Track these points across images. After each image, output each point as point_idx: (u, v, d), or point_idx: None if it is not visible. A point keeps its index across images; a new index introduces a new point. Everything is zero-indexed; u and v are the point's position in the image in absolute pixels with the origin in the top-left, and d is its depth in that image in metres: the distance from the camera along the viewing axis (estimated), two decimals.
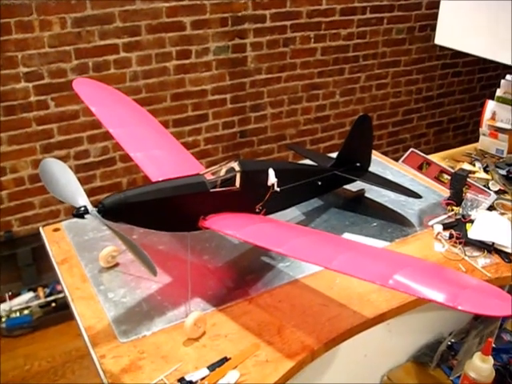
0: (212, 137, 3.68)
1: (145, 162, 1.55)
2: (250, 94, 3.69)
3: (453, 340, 1.78)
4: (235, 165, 1.44)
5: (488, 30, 1.95)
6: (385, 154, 3.37)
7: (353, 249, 1.30)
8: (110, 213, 1.23)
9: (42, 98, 3.08)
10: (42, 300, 3.20)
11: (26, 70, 2.97)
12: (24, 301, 3.17)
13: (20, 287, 3.23)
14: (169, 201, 1.31)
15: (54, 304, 3.19)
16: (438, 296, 1.06)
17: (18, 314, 3.12)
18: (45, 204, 3.28)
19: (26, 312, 3.13)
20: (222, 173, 1.43)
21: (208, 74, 3.49)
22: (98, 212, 1.21)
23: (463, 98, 4.66)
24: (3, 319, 3.08)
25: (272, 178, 1.50)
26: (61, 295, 3.17)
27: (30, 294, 3.21)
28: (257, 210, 1.51)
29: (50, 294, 3.22)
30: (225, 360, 1.26)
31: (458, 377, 1.69)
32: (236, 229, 1.35)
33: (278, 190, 1.50)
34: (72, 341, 2.98)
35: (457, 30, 2.00)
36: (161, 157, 1.61)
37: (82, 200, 1.22)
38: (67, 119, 3.18)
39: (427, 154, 2.23)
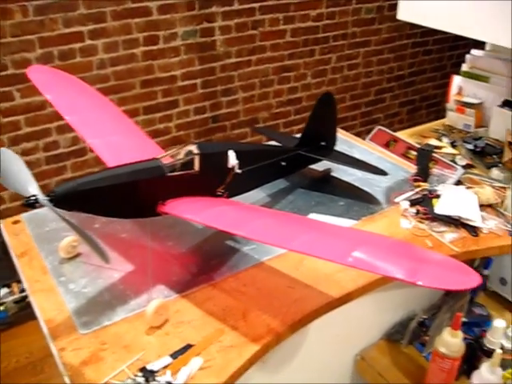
0: (183, 123, 3.63)
1: (102, 149, 1.52)
2: (220, 79, 3.64)
3: (424, 316, 1.77)
4: (193, 148, 1.41)
5: (450, 3, 1.93)
6: (358, 134, 3.36)
7: (315, 229, 1.28)
8: (63, 201, 1.19)
9: (7, 89, 3.00)
10: (17, 295, 3.15)
11: None
12: None
13: None
14: (123, 187, 1.28)
15: (28, 299, 3.14)
16: (397, 272, 1.04)
17: None
18: (15, 198, 3.22)
19: (0, 308, 3.08)
20: (181, 156, 1.40)
21: (177, 59, 3.44)
22: (50, 201, 1.18)
23: (435, 75, 4.65)
24: None
25: (232, 160, 1.47)
26: None
27: (4, 290, 3.16)
28: (218, 193, 1.48)
29: (24, 290, 3.16)
30: (188, 347, 1.24)
31: (431, 353, 1.68)
32: (195, 213, 1.33)
33: (240, 171, 1.47)
34: None
35: (418, 4, 1.97)
36: (119, 143, 1.57)
37: (32, 189, 1.18)
38: (34, 110, 3.11)
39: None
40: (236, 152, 1.48)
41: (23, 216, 1.70)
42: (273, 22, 3.66)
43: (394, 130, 2.28)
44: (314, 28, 3.85)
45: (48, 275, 1.46)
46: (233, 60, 3.63)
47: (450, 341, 1.51)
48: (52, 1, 2.94)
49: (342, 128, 4.26)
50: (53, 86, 1.69)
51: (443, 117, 2.44)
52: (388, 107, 4.54)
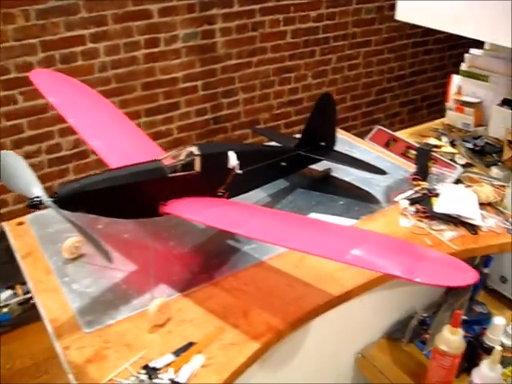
0: (185, 125, 3.65)
1: (104, 151, 1.54)
2: (221, 80, 3.66)
3: (424, 315, 1.78)
4: (194, 149, 1.43)
5: (449, 3, 1.94)
6: (359, 134, 3.36)
7: (314, 227, 1.30)
8: (66, 202, 1.21)
9: (10, 92, 3.03)
10: (21, 297, 3.16)
11: None
12: (2, 299, 3.13)
13: None
14: (126, 188, 1.30)
15: (32, 301, 3.15)
16: (395, 269, 1.06)
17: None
18: (18, 200, 3.24)
19: (4, 310, 3.09)
20: (181, 157, 1.42)
21: (178, 61, 3.46)
22: (54, 202, 1.20)
23: (435, 75, 4.66)
24: None
25: (233, 161, 1.48)
26: None
27: (8, 292, 3.17)
28: (219, 194, 1.50)
29: (29, 291, 3.19)
30: (190, 345, 1.26)
31: (431, 351, 1.70)
32: (196, 213, 1.34)
33: (240, 172, 1.49)
34: None
35: (417, 4, 1.99)
36: (121, 145, 1.59)
37: (36, 190, 1.20)
38: (37, 113, 3.13)
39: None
40: (236, 152, 1.49)
41: (27, 218, 1.72)
42: (273, 24, 3.68)
43: (395, 130, 2.29)
44: (315, 29, 3.87)
45: (52, 275, 1.48)
46: (233, 61, 3.65)
47: (450, 338, 1.52)
48: (53, 5, 2.96)
49: (343, 128, 4.26)
50: (55, 89, 1.71)
51: (445, 116, 2.46)
52: (389, 107, 4.55)
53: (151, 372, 1.18)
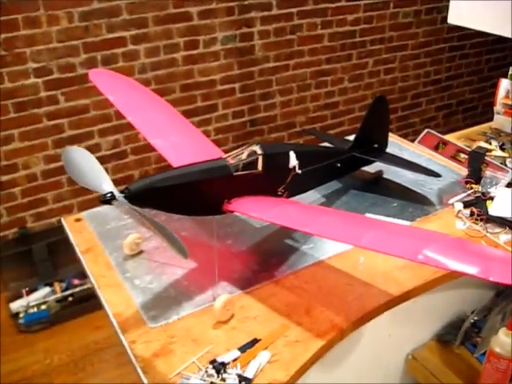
0: (222, 127, 3.68)
1: (165, 149, 1.56)
2: (258, 83, 3.69)
3: (476, 318, 1.77)
4: (257, 148, 1.44)
5: (502, 6, 1.94)
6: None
7: (378, 226, 1.30)
8: (136, 198, 1.23)
9: (52, 93, 3.08)
10: (59, 294, 3.20)
11: (35, 65, 2.98)
12: (41, 296, 3.18)
13: (36, 283, 3.24)
14: (194, 185, 1.32)
15: (70, 298, 3.20)
16: (470, 269, 1.06)
17: (35, 309, 3.12)
18: (58, 199, 3.30)
19: (43, 307, 3.13)
20: (244, 156, 1.43)
21: (216, 63, 3.49)
22: (125, 198, 1.22)
23: (471, 79, 4.64)
24: (21, 315, 3.09)
25: (293, 161, 1.50)
26: (77, 289, 3.19)
27: (47, 289, 3.22)
28: (279, 193, 1.51)
29: (67, 289, 3.23)
30: (255, 341, 1.27)
31: (483, 354, 1.69)
32: (261, 211, 1.36)
33: (300, 172, 1.51)
34: (90, 334, 2.99)
35: (469, 8, 1.98)
36: (180, 143, 1.61)
37: (107, 186, 1.22)
38: (77, 113, 3.19)
39: None
40: (296, 153, 1.51)
41: (84, 214, 1.75)
42: (311, 27, 3.70)
43: None
44: (352, 32, 3.88)
45: (113, 271, 1.50)
46: (271, 64, 3.68)
47: (506, 341, 1.51)
48: (96, 7, 3.01)
49: None
50: (114, 88, 1.74)
51: (480, 121, 2.45)
52: (424, 111, 4.54)
53: (219, 367, 1.19)
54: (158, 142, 1.57)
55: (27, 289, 3.19)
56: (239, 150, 1.46)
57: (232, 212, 1.39)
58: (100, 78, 1.76)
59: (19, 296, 3.15)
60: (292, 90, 3.83)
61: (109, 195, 1.20)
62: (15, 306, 3.12)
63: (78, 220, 1.73)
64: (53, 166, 3.22)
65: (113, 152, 3.37)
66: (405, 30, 4.10)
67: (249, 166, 1.42)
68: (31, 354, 2.95)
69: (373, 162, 1.85)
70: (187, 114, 3.47)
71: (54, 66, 3.04)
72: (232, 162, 1.41)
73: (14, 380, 2.81)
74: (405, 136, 4.36)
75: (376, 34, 3.98)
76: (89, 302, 3.03)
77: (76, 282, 3.22)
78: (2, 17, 2.81)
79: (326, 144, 2.00)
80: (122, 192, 1.23)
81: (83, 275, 2.71)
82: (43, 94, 3.06)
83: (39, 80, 3.02)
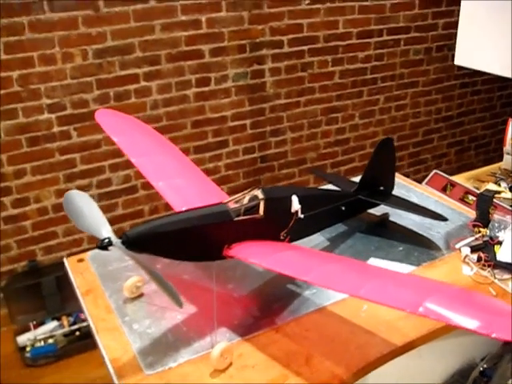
0: (233, 163, 3.69)
1: (167, 191, 1.55)
2: (269, 119, 3.71)
3: (485, 366, 1.73)
4: (258, 192, 1.43)
5: (508, 48, 1.93)
6: (406, 175, 3.34)
7: (379, 275, 1.28)
8: (134, 244, 1.23)
9: (65, 128, 3.12)
10: (67, 329, 3.19)
11: (49, 101, 3.03)
12: (48, 330, 3.17)
13: (44, 316, 3.23)
14: (193, 231, 1.31)
15: (77, 333, 3.18)
16: (471, 323, 1.03)
17: (42, 343, 3.11)
18: (68, 233, 3.31)
19: (50, 341, 3.12)
20: (246, 201, 1.42)
21: (227, 100, 3.52)
22: (122, 243, 1.21)
23: (484, 116, 4.62)
24: (28, 348, 3.08)
25: (296, 205, 1.48)
26: (84, 324, 3.17)
27: (55, 323, 3.21)
28: (281, 238, 1.50)
29: (74, 323, 3.22)
30: None
31: None
32: (261, 257, 1.34)
33: (302, 216, 1.49)
34: (96, 369, 2.95)
35: (476, 49, 1.98)
36: (183, 185, 1.61)
37: (105, 231, 1.22)
38: (89, 148, 3.22)
39: (449, 174, 2.21)
40: (299, 196, 1.50)
41: (87, 255, 1.74)
42: (321, 64, 3.72)
43: (443, 171, 2.26)
44: (363, 69, 3.89)
45: (112, 314, 1.49)
46: (282, 101, 3.70)
47: None
48: (110, 44, 3.06)
49: None
50: (118, 128, 1.75)
51: (493, 157, 2.43)
52: (436, 148, 4.51)
53: None
54: (161, 184, 1.57)
55: (35, 322, 3.18)
56: (241, 194, 1.45)
57: (232, 257, 1.38)
58: (106, 118, 1.78)
59: (27, 329, 3.15)
60: (303, 127, 3.84)
61: (106, 241, 1.20)
62: (22, 339, 3.12)
63: (80, 260, 1.72)
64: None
65: (123, 187, 3.39)
66: (416, 67, 4.10)
67: (250, 210, 1.41)
68: None
69: (378, 204, 1.83)
70: (198, 150, 3.51)
71: (67, 102, 3.08)
72: (233, 206, 1.40)
73: None
74: (416, 172, 4.37)
75: (387, 71, 3.99)
76: None
77: (83, 316, 3.19)
78: (19, 54, 2.87)
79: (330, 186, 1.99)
80: (119, 237, 1.22)
81: None
82: (56, 129, 3.10)
83: (53, 115, 3.06)
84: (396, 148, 4.31)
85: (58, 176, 3.19)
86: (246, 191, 1.46)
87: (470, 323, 1.04)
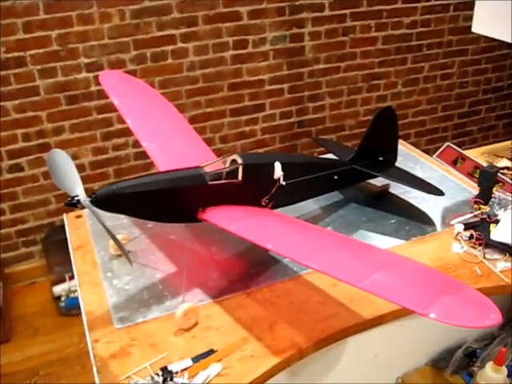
0: (269, 127, 3.68)
1: (156, 154, 1.58)
2: (307, 84, 3.65)
3: (474, 346, 1.68)
4: (238, 157, 1.44)
5: None
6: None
7: (345, 248, 1.27)
8: (103, 203, 1.26)
9: (102, 87, 3.18)
10: None
11: (87, 60, 3.10)
12: (73, 284, 3.30)
13: None
14: (163, 193, 1.33)
15: None
16: (409, 302, 1.01)
17: (75, 294, 3.25)
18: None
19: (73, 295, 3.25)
20: (225, 165, 1.43)
21: (265, 63, 3.49)
22: (91, 202, 1.25)
23: None
24: (62, 298, 3.23)
25: (278, 172, 1.48)
26: None
27: None
28: (263, 204, 1.50)
29: None
30: (211, 352, 1.27)
31: None
32: (230, 222, 1.35)
33: (284, 183, 1.49)
34: None
35: (494, 16, 1.87)
36: (174, 149, 1.63)
37: (78, 189, 1.26)
38: None
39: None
40: (283, 164, 1.49)
41: (86, 211, 1.80)
42: (364, 29, 3.62)
43: (489, 144, 2.17)
44: (408, 35, 3.76)
45: (97, 269, 1.55)
46: (321, 66, 3.63)
47: (493, 376, 1.44)
48: (148, 5, 3.09)
49: (430, 140, 4.12)
50: (121, 90, 1.78)
51: None
52: (483, 120, 4.33)
53: (167, 374, 1.21)
54: (152, 146, 1.60)
55: (70, 274, 3.32)
56: (221, 158, 1.46)
57: (206, 221, 1.39)
58: (109, 80, 1.81)
59: (62, 280, 3.29)
60: (342, 93, 3.77)
61: (76, 198, 1.24)
62: (58, 289, 3.26)
63: (78, 217, 1.79)
64: (100, 157, 3.33)
65: None
66: (465, 35, 3.91)
67: (228, 175, 1.42)
68: (68, 337, 3.08)
69: (374, 176, 1.79)
70: (234, 113, 3.52)
71: (104, 62, 3.14)
72: (210, 170, 1.41)
73: (50, 360, 2.96)
74: (460, 144, 4.20)
75: (434, 37, 3.83)
76: None
77: None
78: (58, 13, 2.94)
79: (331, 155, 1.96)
80: (89, 196, 1.26)
81: None
82: (94, 88, 3.18)
83: (90, 75, 3.14)
84: (440, 118, 4.20)
85: (95, 134, 3.28)
86: (226, 155, 1.47)
87: (407, 302, 1.02)
